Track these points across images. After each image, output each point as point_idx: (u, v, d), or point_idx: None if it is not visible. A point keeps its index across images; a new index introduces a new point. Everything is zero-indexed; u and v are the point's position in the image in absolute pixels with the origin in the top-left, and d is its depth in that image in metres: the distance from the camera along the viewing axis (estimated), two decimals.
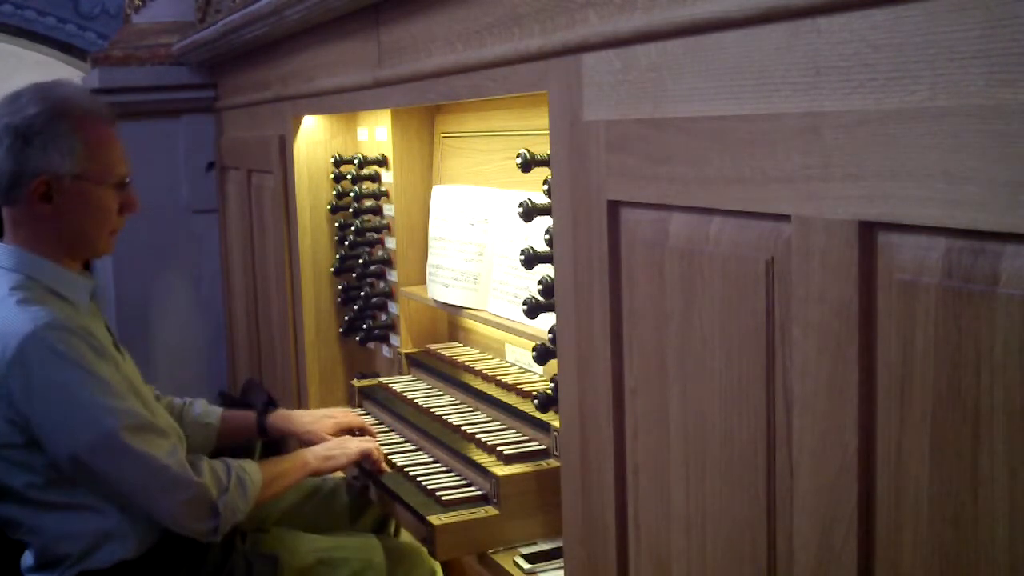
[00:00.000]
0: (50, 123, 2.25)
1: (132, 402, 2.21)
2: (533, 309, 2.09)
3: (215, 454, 2.49)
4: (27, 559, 2.37)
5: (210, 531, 2.27)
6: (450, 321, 3.14)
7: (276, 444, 3.25)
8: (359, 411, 2.99)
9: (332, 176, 3.42)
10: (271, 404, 3.97)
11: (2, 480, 2.24)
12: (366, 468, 2.56)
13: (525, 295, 2.19)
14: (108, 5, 6.08)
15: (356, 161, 3.27)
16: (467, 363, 2.79)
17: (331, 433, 2.67)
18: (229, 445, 2.77)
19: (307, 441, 2.67)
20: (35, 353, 2.13)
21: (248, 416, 2.80)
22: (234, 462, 2.36)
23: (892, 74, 1.15)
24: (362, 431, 2.72)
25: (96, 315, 2.39)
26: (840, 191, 1.21)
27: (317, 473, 2.57)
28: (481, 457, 2.34)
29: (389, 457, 2.57)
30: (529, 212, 2.07)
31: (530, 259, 2.11)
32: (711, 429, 1.50)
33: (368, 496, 2.62)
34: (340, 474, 2.78)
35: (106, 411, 2.15)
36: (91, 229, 2.34)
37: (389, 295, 3.25)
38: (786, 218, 1.31)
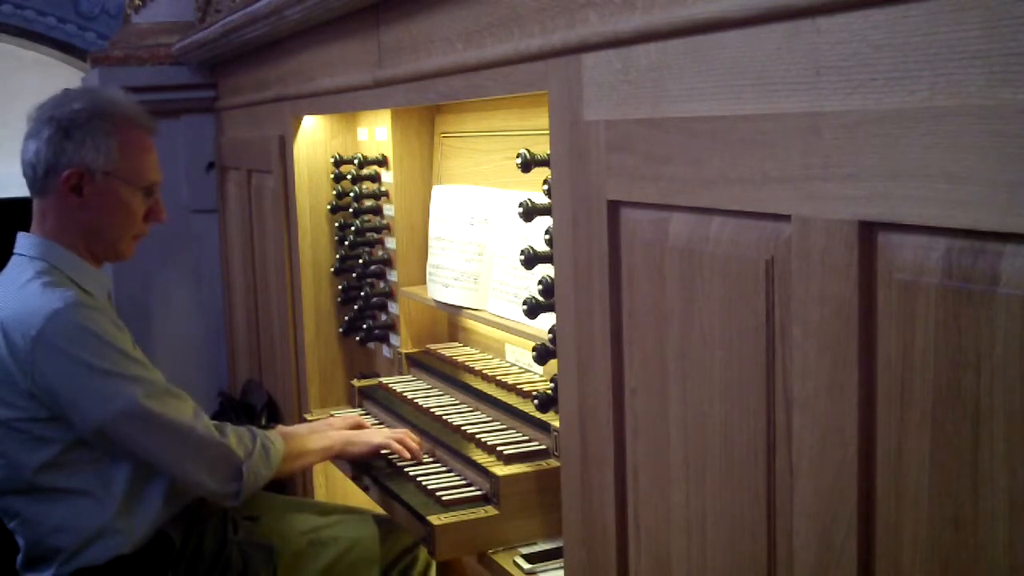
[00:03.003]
0: (91, 120, 2.34)
1: (152, 371, 2.29)
2: (533, 309, 2.09)
3: None
4: (20, 557, 2.37)
5: (233, 494, 2.33)
6: (450, 321, 3.14)
7: None
8: (359, 411, 2.99)
9: (332, 176, 3.42)
10: (271, 404, 3.97)
11: (14, 457, 2.26)
12: (368, 469, 2.57)
13: (525, 295, 2.19)
14: (108, 5, 6.08)
15: (356, 161, 3.27)
16: (467, 363, 2.79)
17: None
18: None
19: None
20: (60, 328, 2.20)
21: None
22: (259, 430, 2.42)
23: (892, 74, 1.15)
24: (359, 428, 2.73)
25: (112, 314, 2.42)
26: (840, 191, 1.21)
27: (339, 456, 2.61)
28: (481, 457, 2.34)
29: (388, 457, 2.57)
30: (529, 212, 2.07)
31: (530, 259, 2.11)
32: (711, 429, 1.50)
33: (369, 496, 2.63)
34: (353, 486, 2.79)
35: (128, 380, 2.22)
36: (115, 228, 2.41)
37: (389, 295, 3.25)
38: (786, 218, 1.31)
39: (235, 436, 2.34)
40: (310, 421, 3.11)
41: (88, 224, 2.37)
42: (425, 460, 2.52)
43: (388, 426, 2.80)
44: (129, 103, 2.44)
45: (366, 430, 2.64)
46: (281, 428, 2.82)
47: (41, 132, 2.33)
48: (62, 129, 2.32)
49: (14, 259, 2.37)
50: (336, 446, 2.57)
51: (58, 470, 2.26)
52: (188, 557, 2.36)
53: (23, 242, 2.37)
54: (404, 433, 2.58)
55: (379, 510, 2.63)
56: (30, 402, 2.22)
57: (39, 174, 2.35)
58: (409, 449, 2.51)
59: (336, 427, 2.73)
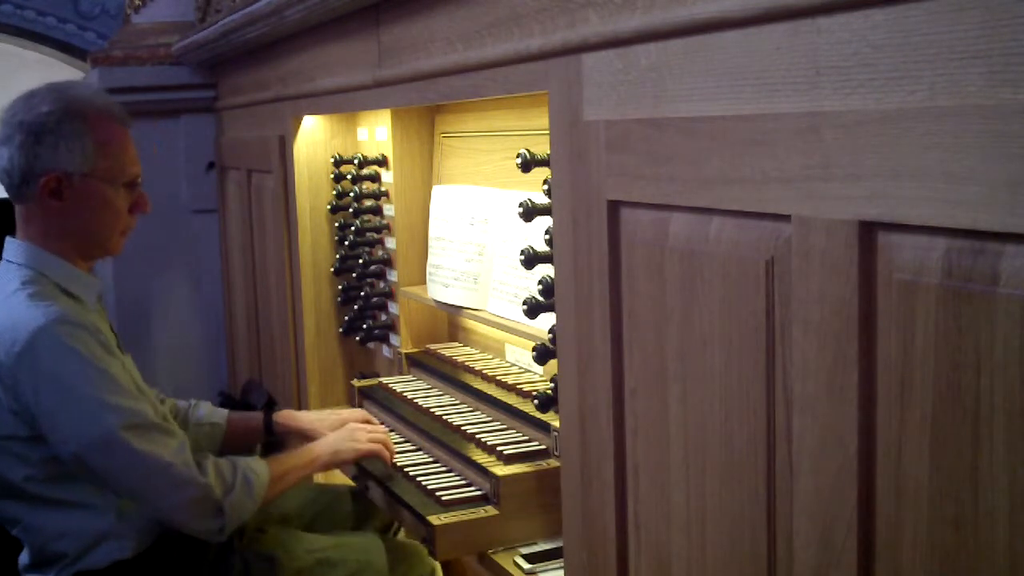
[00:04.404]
0: (62, 122, 2.28)
1: (137, 401, 2.21)
2: (533, 309, 2.09)
3: (220, 455, 2.49)
4: (24, 557, 2.36)
5: (216, 530, 2.27)
6: (450, 321, 3.14)
7: (277, 444, 3.25)
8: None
9: (332, 176, 3.43)
10: (271, 404, 3.97)
11: (2, 473, 2.24)
12: (368, 469, 2.56)
13: (525, 295, 2.19)
14: (108, 5, 6.08)
15: (356, 161, 3.27)
16: (467, 363, 2.79)
17: (336, 428, 2.66)
18: (235, 446, 2.77)
19: (312, 438, 2.66)
20: (44, 346, 2.14)
21: (255, 416, 2.80)
22: (241, 460, 2.36)
23: (892, 74, 1.15)
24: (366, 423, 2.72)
25: (102, 316, 2.40)
26: (840, 191, 1.21)
27: (326, 468, 2.57)
28: (481, 457, 2.34)
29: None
30: (529, 212, 2.07)
31: (530, 259, 2.11)
32: (711, 429, 1.50)
33: (368, 497, 2.62)
34: (346, 480, 2.77)
35: (109, 408, 2.16)
36: (100, 228, 2.36)
37: (389, 295, 3.25)
38: (786, 218, 1.31)
39: (215, 471, 2.26)
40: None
41: (73, 227, 2.32)
42: (425, 460, 2.52)
43: (388, 426, 2.81)
44: (100, 98, 2.38)
45: (351, 430, 2.58)
46: (287, 412, 2.82)
47: (13, 138, 2.27)
48: (33, 134, 2.25)
49: (3, 265, 2.32)
50: (323, 457, 2.51)
51: (47, 484, 2.23)
52: (189, 563, 2.35)
53: (10, 248, 2.33)
54: (383, 436, 2.58)
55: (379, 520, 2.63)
56: (14, 419, 2.19)
57: (15, 181, 2.29)
58: (389, 455, 2.52)
59: (344, 418, 2.71)
